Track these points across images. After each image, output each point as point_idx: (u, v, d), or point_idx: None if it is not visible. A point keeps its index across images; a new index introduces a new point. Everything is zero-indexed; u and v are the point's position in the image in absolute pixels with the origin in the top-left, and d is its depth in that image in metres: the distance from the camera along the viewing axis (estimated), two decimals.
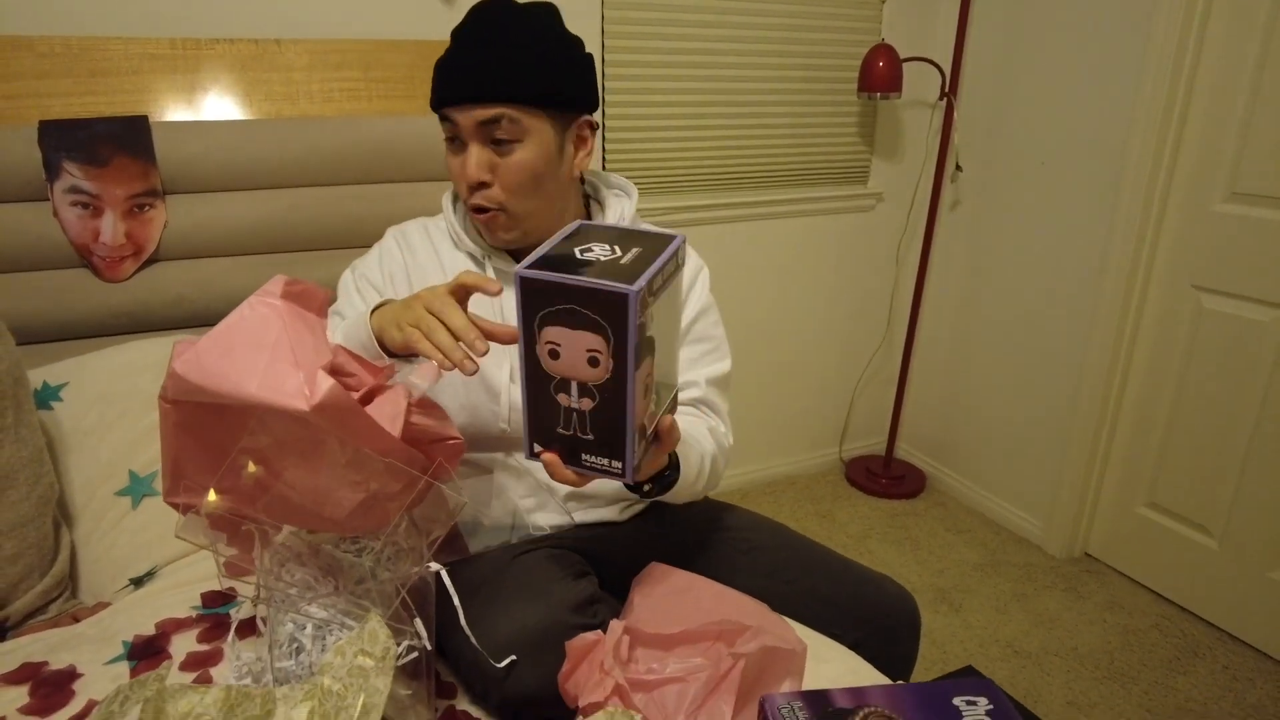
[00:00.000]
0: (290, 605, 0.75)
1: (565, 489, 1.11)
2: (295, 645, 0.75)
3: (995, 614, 2.07)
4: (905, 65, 2.21)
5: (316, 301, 0.81)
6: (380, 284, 1.14)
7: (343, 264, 1.61)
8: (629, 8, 1.99)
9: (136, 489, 1.26)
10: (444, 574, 0.79)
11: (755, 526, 1.23)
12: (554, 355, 0.72)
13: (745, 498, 2.59)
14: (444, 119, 1.03)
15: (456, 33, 1.03)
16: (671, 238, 0.77)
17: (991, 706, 0.65)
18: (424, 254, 1.15)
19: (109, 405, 1.33)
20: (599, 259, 0.72)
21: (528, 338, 0.72)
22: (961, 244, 2.47)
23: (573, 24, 1.12)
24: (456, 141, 1.03)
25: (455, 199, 1.17)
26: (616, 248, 0.74)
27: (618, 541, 1.14)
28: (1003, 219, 2.33)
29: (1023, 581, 2.20)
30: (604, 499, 1.15)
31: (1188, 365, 1.99)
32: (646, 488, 0.94)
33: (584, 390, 0.72)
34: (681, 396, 1.11)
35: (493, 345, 0.85)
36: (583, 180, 1.20)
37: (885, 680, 1.01)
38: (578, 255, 0.73)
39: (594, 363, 0.71)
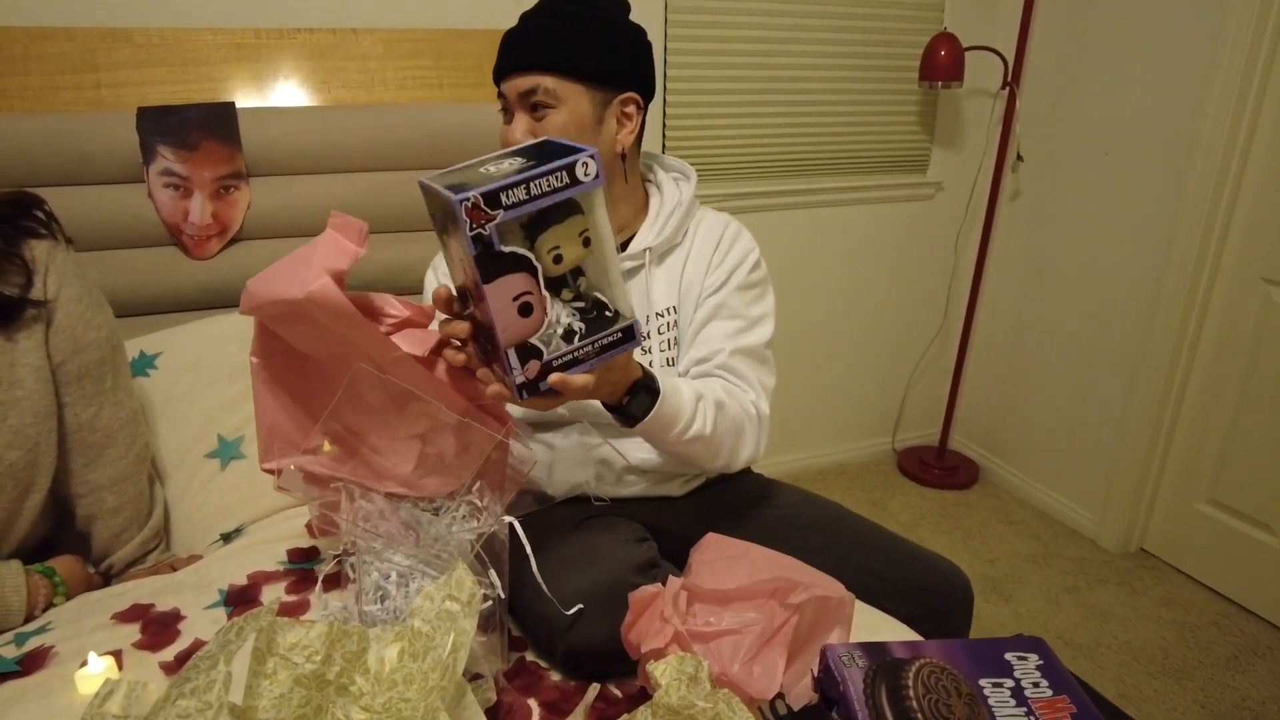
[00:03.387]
0: (376, 555, 0.81)
1: (623, 461, 1.16)
2: (381, 592, 0.81)
3: (1047, 605, 2.06)
4: (967, 54, 2.19)
5: (354, 230, 0.94)
6: None
7: (413, 246, 1.69)
8: None
9: (225, 452, 1.34)
10: (517, 525, 0.84)
11: (808, 503, 1.27)
12: (454, 263, 0.77)
13: (796, 484, 2.61)
14: (499, 94, 1.11)
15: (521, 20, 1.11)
16: (571, 154, 0.72)
17: (1041, 662, 0.68)
18: None
19: (199, 374, 1.42)
20: (488, 170, 0.72)
21: (442, 249, 0.78)
22: (1021, 234, 2.45)
23: (638, 9, 1.17)
24: (507, 112, 1.11)
25: None
26: (523, 160, 0.74)
27: (674, 515, 1.19)
28: (1064, 209, 2.30)
29: (1075, 575, 2.19)
30: (663, 475, 1.19)
31: (1255, 360, 1.96)
32: (625, 400, 0.91)
33: (473, 298, 0.76)
34: (706, 366, 1.14)
35: None
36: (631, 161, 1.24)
37: None
38: (480, 167, 0.74)
39: (465, 270, 0.74)
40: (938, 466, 2.64)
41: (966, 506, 2.51)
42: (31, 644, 0.96)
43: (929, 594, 1.14)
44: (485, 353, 0.82)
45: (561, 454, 1.16)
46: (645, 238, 1.16)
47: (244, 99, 1.62)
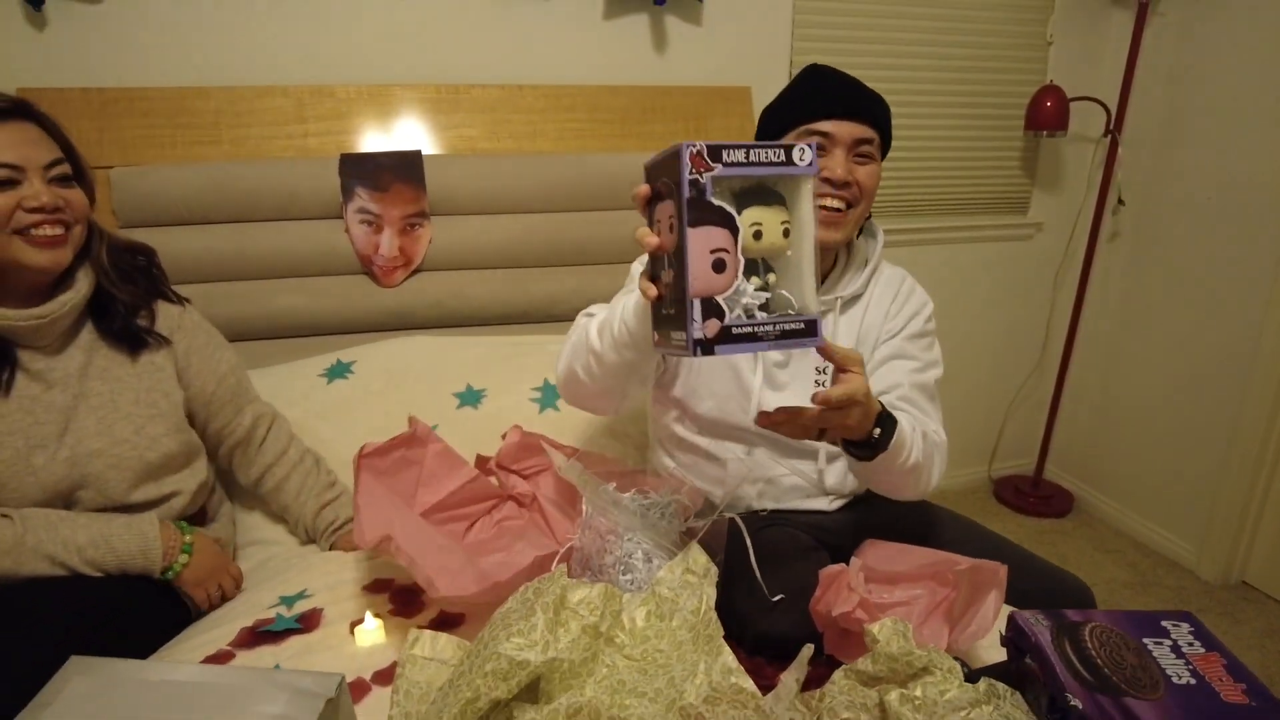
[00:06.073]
0: (619, 536, 0.98)
1: (791, 481, 1.30)
2: (623, 566, 0.98)
3: None
4: (1071, 104, 2.32)
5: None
6: None
7: (570, 279, 1.90)
8: (815, 53, 2.19)
9: None
10: (739, 521, 1.00)
11: (952, 519, 1.41)
12: (658, 224, 0.84)
13: None
14: (809, 131, 1.21)
15: (808, 77, 1.26)
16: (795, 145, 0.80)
17: (1194, 629, 0.81)
18: None
19: (390, 375, 1.66)
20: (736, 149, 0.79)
21: (646, 222, 0.86)
22: (1120, 273, 2.54)
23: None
24: (818, 148, 1.18)
25: None
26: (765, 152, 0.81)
27: (828, 529, 1.32)
28: (1165, 250, 2.39)
29: (1175, 603, 2.25)
30: (819, 489, 1.34)
31: None
32: (877, 432, 1.00)
33: (669, 262, 0.81)
34: (888, 397, 1.25)
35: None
36: None
37: None
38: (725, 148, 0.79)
39: (672, 229, 0.79)
40: (1033, 495, 2.73)
41: (1062, 534, 2.59)
42: (300, 607, 1.16)
43: (1058, 607, 1.26)
44: (659, 318, 0.86)
45: (731, 470, 1.31)
46: (837, 287, 1.29)
47: (428, 147, 1.85)
